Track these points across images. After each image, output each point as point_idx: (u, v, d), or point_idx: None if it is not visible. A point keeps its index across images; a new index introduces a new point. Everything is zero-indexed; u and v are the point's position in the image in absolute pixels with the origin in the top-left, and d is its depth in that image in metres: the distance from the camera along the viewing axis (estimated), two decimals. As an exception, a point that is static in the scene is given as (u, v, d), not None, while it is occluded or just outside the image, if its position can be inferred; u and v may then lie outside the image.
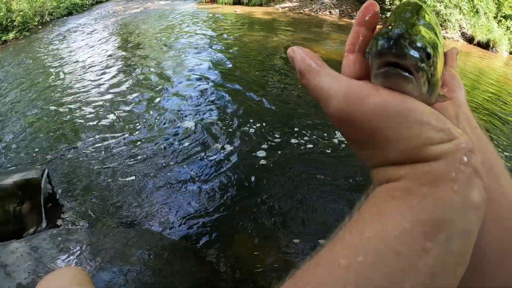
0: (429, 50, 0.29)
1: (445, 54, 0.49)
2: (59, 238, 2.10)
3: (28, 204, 2.47)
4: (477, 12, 10.36)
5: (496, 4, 10.78)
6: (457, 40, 10.14)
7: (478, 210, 0.26)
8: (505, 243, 0.31)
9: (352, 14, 11.16)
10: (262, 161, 3.03)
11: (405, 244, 0.23)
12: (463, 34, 10.36)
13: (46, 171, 2.64)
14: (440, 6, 9.55)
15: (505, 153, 3.69)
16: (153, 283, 1.82)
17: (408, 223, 0.24)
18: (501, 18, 10.95)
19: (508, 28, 10.65)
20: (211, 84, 4.71)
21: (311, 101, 3.86)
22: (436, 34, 0.32)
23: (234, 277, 2.04)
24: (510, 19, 10.92)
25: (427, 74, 0.29)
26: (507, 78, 7.41)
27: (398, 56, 0.27)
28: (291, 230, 2.35)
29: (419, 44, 0.28)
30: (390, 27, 0.29)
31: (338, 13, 11.29)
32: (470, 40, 10.16)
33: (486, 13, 10.35)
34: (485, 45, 9.96)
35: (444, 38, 10.46)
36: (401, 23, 0.30)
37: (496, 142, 3.91)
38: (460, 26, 10.18)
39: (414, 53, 0.28)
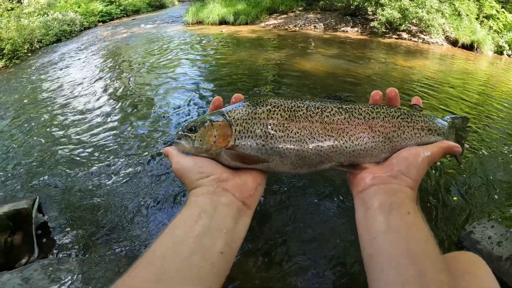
0: (192, 126, 0.60)
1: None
2: (51, 268, 2.09)
3: (20, 235, 2.44)
4: (459, 14, 10.44)
5: (477, 5, 10.89)
6: (442, 44, 10.24)
7: (227, 207, 0.52)
8: None
9: (336, 27, 11.33)
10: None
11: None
12: (447, 38, 10.45)
13: (37, 200, 2.62)
14: (422, 12, 9.66)
15: (492, 149, 3.80)
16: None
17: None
18: (483, 19, 11.10)
19: (490, 27, 10.77)
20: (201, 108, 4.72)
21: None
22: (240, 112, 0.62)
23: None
24: (492, 18, 11.09)
25: (191, 138, 0.59)
26: (494, 77, 7.53)
27: (176, 134, 0.62)
28: (292, 250, 2.31)
29: (187, 125, 0.60)
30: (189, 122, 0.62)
31: (323, 26, 11.47)
32: (454, 43, 10.24)
33: (468, 15, 10.41)
34: (470, 47, 10.03)
35: (428, 43, 10.56)
36: (196, 119, 0.62)
37: (486, 136, 4.09)
38: (443, 30, 10.26)
39: (181, 131, 0.61)
